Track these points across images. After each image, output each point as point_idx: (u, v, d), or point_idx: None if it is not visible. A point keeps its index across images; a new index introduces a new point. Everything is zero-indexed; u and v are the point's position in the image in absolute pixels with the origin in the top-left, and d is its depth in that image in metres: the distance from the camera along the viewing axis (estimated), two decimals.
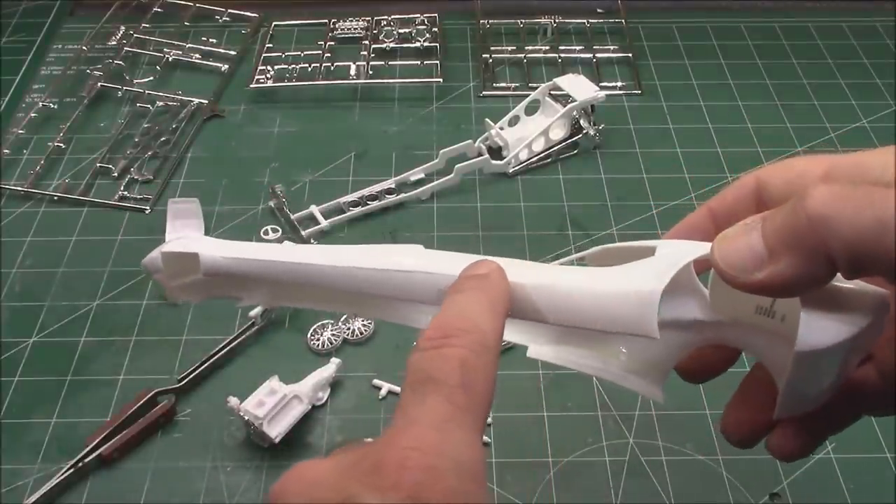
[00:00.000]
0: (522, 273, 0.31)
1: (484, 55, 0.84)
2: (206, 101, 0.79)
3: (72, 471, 0.51)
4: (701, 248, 0.30)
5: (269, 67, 0.82)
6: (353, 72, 0.81)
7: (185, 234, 0.39)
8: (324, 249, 0.35)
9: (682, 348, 0.33)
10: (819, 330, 0.28)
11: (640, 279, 0.30)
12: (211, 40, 0.87)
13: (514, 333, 0.34)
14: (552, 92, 0.74)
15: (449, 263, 0.33)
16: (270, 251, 0.36)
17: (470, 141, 0.72)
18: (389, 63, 0.83)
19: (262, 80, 0.81)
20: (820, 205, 0.25)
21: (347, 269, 0.34)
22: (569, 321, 0.31)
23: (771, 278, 0.27)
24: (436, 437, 0.25)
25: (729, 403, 0.34)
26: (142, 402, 0.54)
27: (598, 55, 0.84)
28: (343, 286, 0.34)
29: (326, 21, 0.89)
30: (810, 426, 0.32)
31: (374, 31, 0.87)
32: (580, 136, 0.73)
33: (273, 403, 0.52)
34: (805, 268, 0.26)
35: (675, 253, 0.30)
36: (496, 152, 0.73)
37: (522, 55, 0.85)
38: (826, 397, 0.30)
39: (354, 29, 0.87)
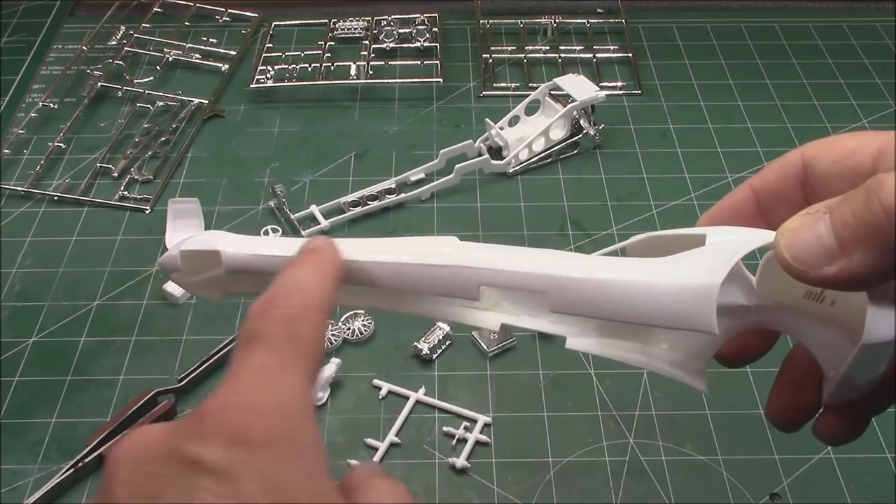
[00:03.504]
0: (566, 264, 0.31)
1: (484, 55, 0.84)
2: (206, 101, 0.79)
3: (72, 471, 0.51)
4: (758, 239, 0.29)
5: (269, 67, 0.82)
6: (353, 72, 0.81)
7: (203, 231, 0.37)
8: (355, 243, 0.34)
9: (726, 334, 0.32)
10: (885, 322, 0.27)
11: (696, 271, 0.28)
12: (211, 40, 0.87)
13: (552, 325, 0.33)
14: (552, 92, 0.74)
15: (489, 256, 0.32)
16: (296, 246, 0.34)
17: (470, 141, 0.72)
18: (389, 63, 0.83)
19: (262, 80, 0.81)
20: None
21: (383, 265, 0.33)
22: (622, 317, 0.30)
23: (842, 273, 0.26)
24: (259, 380, 0.25)
25: (772, 389, 0.34)
26: (142, 402, 0.54)
27: (598, 55, 0.84)
28: (377, 281, 0.33)
29: (326, 21, 0.89)
30: (856, 409, 0.32)
31: (374, 31, 0.87)
32: (580, 136, 0.73)
33: None
34: (880, 263, 0.25)
35: (729, 243, 0.29)
36: (496, 152, 0.73)
37: (522, 55, 0.85)
38: (875, 384, 0.30)
39: (354, 29, 0.87)
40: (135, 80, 0.82)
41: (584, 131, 0.73)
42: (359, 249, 0.34)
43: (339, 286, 0.31)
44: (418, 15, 0.88)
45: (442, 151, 0.70)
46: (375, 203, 0.69)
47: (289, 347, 0.26)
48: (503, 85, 0.81)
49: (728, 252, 0.29)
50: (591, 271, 0.30)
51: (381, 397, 0.56)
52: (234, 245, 0.35)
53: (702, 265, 0.28)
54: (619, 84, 0.81)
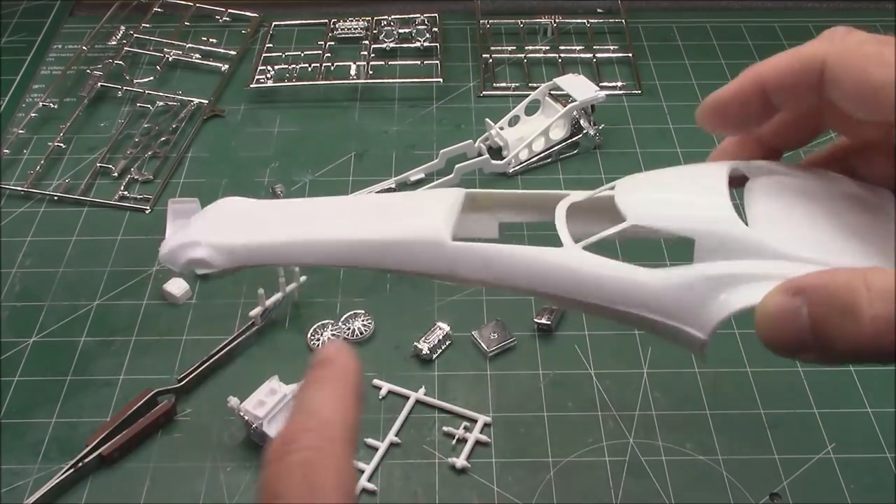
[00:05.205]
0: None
1: (484, 55, 0.84)
2: (206, 101, 0.79)
3: (72, 471, 0.51)
4: (741, 301, 0.29)
5: (269, 67, 0.82)
6: (353, 72, 0.81)
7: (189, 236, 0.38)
8: (338, 217, 0.36)
9: None
10: None
11: (688, 318, 0.30)
12: (211, 40, 0.87)
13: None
14: (552, 92, 0.74)
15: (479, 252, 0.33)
16: (279, 238, 0.35)
17: (470, 141, 0.72)
18: (389, 63, 0.83)
19: (262, 80, 0.81)
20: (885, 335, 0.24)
21: (361, 245, 0.34)
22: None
23: (818, 361, 0.27)
24: None
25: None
26: (142, 402, 0.54)
27: (598, 55, 0.84)
28: (367, 265, 0.35)
29: (326, 21, 0.89)
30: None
31: (374, 31, 0.87)
32: (580, 136, 0.73)
33: (273, 403, 0.52)
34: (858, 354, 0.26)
35: (719, 283, 0.29)
36: (496, 152, 0.73)
37: (522, 55, 0.85)
38: None
39: (354, 29, 0.87)
40: (135, 80, 0.82)
41: (584, 131, 0.73)
42: (322, 228, 0.35)
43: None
44: (418, 15, 0.88)
45: (442, 151, 0.70)
46: None
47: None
48: (503, 85, 0.81)
49: (717, 305, 0.29)
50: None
51: (381, 397, 0.56)
52: (216, 254, 0.36)
53: (696, 310, 0.29)
54: (619, 84, 0.81)
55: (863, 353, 0.25)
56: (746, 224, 0.30)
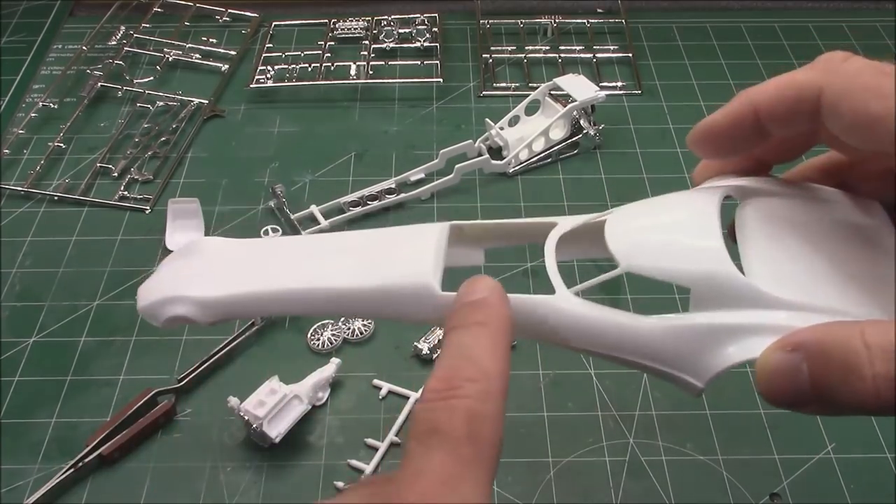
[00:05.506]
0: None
1: (484, 55, 0.84)
2: (206, 101, 0.79)
3: (72, 471, 0.51)
4: (741, 354, 0.29)
5: (269, 67, 0.82)
6: (353, 72, 0.81)
7: (168, 288, 0.35)
8: (314, 266, 0.34)
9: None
10: None
11: (687, 365, 0.29)
12: (211, 40, 0.87)
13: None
14: (552, 92, 0.74)
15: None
16: (259, 284, 0.34)
17: (470, 141, 0.72)
18: (389, 63, 0.83)
19: (262, 80, 0.81)
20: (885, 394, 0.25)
21: (345, 294, 0.32)
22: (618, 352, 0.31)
23: (817, 413, 0.27)
24: (442, 491, 0.24)
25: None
26: (142, 402, 0.54)
27: (598, 55, 0.84)
28: (344, 312, 0.34)
29: (326, 21, 0.89)
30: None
31: (374, 31, 0.87)
32: (580, 136, 0.73)
33: (273, 403, 0.52)
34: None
35: (720, 334, 0.29)
36: (496, 152, 0.73)
37: (522, 55, 0.85)
38: None
39: (354, 29, 0.87)
40: (135, 80, 0.82)
41: (584, 131, 0.73)
42: (301, 275, 0.33)
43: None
44: (418, 15, 0.88)
45: (442, 151, 0.70)
46: (375, 203, 0.69)
47: (471, 450, 0.25)
48: (503, 85, 0.81)
49: (715, 357, 0.29)
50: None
51: (381, 397, 0.56)
52: (197, 309, 0.34)
53: (693, 359, 0.29)
54: (619, 84, 0.81)
55: (866, 408, 0.25)
56: (741, 256, 0.30)
